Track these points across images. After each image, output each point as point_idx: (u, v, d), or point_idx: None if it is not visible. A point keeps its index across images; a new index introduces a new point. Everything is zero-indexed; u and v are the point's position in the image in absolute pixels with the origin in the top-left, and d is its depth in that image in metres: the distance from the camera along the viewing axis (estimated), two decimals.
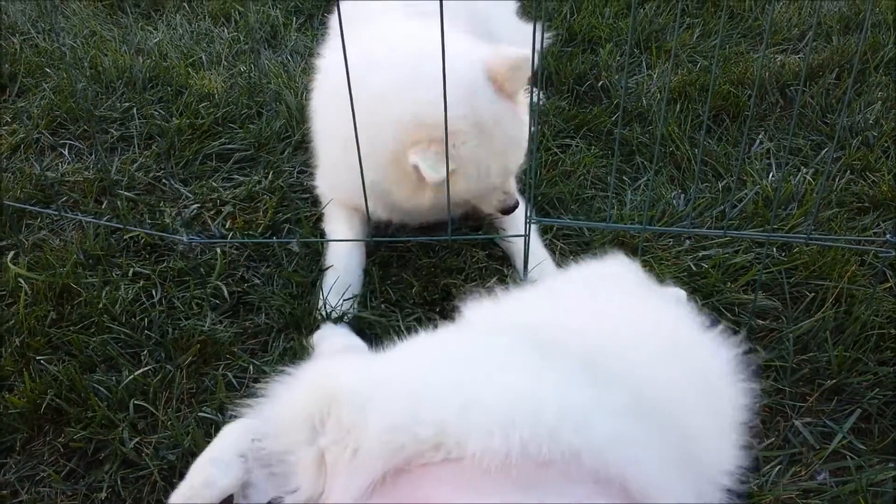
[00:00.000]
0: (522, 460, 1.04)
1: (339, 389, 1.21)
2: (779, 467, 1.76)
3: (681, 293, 1.91)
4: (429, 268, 2.27)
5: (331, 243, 2.27)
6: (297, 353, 1.97)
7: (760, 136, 2.81)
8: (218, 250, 2.27)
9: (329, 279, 2.16)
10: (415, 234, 2.32)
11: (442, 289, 2.21)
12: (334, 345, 1.95)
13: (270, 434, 1.28)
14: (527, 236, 2.13)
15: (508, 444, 1.04)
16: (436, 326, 2.06)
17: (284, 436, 1.25)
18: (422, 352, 1.39)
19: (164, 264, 2.25)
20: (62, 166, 2.72)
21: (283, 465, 1.25)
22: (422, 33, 2.01)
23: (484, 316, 1.63)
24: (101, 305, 2.09)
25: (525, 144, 2.14)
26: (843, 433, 1.83)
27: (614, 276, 1.82)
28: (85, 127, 2.90)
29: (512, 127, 2.07)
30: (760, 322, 2.10)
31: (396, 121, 1.97)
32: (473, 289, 2.18)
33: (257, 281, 2.21)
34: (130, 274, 2.22)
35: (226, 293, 2.15)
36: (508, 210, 2.22)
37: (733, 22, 3.57)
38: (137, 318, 2.08)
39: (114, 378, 1.93)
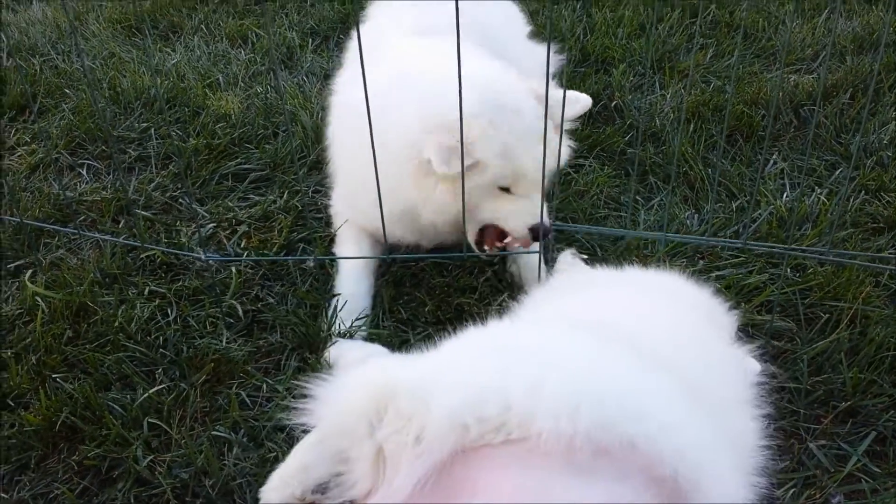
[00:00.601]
0: (585, 447, 1.05)
1: (396, 381, 1.21)
2: (793, 490, 1.75)
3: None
4: (442, 287, 2.28)
5: (341, 268, 2.27)
6: (310, 371, 1.97)
7: (774, 157, 2.81)
8: (233, 269, 2.29)
9: (339, 303, 2.18)
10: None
11: (455, 308, 2.21)
12: (354, 357, 1.93)
13: (328, 434, 1.28)
14: (541, 253, 2.13)
15: (575, 428, 1.06)
16: None
17: (342, 434, 1.24)
18: (477, 342, 1.39)
19: (180, 283, 2.27)
20: (80, 186, 2.76)
21: (344, 464, 1.25)
22: (438, 56, 2.01)
23: (533, 311, 1.65)
24: (116, 324, 2.11)
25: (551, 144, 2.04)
26: (857, 456, 1.81)
27: (656, 281, 1.85)
28: (103, 147, 2.94)
29: (534, 119, 2.06)
30: (775, 343, 2.09)
31: (416, 121, 2.00)
32: (486, 307, 2.19)
33: (272, 300, 2.23)
34: (146, 292, 2.24)
35: (240, 312, 2.17)
36: (537, 234, 2.09)
37: (747, 42, 3.58)
38: (153, 337, 2.10)
39: (128, 396, 1.94)
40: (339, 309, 2.14)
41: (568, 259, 2.18)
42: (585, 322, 1.43)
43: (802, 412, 1.92)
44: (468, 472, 1.08)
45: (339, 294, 2.20)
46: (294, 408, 1.41)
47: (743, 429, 1.42)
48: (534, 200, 2.08)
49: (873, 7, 3.87)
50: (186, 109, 3.13)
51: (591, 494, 1.03)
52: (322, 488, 1.38)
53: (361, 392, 1.22)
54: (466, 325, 2.09)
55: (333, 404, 1.28)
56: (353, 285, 2.23)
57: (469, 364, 1.23)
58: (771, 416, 1.84)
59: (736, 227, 2.44)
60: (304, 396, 1.35)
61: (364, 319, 2.14)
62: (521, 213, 2.09)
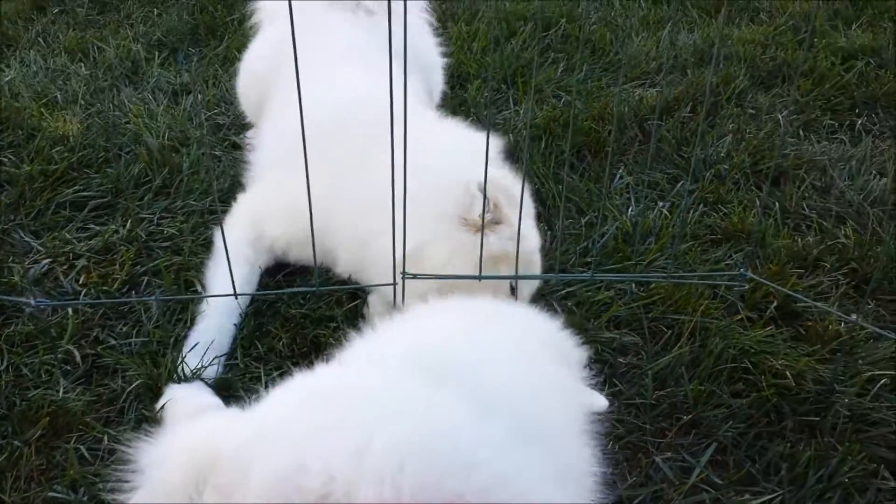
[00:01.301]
0: None
1: (217, 453, 1.16)
2: None
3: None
4: (298, 318, 2.23)
5: (210, 302, 2.18)
6: (154, 420, 1.89)
7: (621, 171, 2.91)
8: (70, 310, 2.16)
9: (192, 337, 2.09)
10: (281, 287, 2.28)
11: (311, 340, 2.17)
12: (187, 407, 1.86)
13: None
14: (395, 284, 2.12)
15: (398, 494, 1.04)
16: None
17: None
18: (302, 395, 1.34)
19: (11, 328, 2.12)
20: None
21: None
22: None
23: (363, 347, 1.62)
24: None
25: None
26: (700, 468, 1.90)
27: (484, 307, 1.87)
28: None
29: None
30: (621, 360, 2.16)
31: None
32: (342, 338, 2.16)
33: (113, 341, 2.12)
34: None
35: (78, 357, 2.04)
36: None
37: (595, 56, 3.69)
38: None
39: None
40: (190, 347, 2.06)
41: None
42: (422, 359, 1.42)
43: (648, 427, 1.99)
44: None
45: (199, 328, 2.13)
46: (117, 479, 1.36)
47: (582, 460, 1.45)
48: None
49: (713, 20, 4.07)
50: (20, 132, 2.93)
51: None
52: None
53: (181, 465, 1.18)
54: (322, 357, 2.08)
55: (154, 478, 1.23)
56: (221, 318, 2.17)
57: (290, 425, 1.19)
58: (618, 433, 1.93)
59: (585, 244, 2.51)
60: (128, 462, 1.29)
61: (218, 360, 2.06)
62: None
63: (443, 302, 1.97)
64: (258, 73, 2.91)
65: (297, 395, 1.36)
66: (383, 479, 1.05)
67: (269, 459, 1.11)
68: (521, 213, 1.95)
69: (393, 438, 1.12)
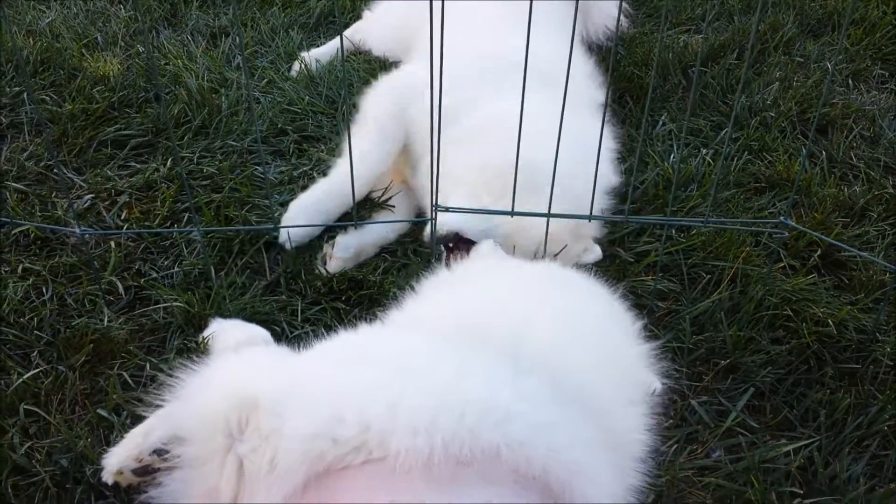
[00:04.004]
0: (444, 460, 1.05)
1: (259, 394, 1.18)
2: (676, 446, 1.81)
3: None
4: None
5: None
6: (198, 350, 1.91)
7: (663, 118, 2.86)
8: (112, 243, 2.19)
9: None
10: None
11: (349, 279, 2.18)
12: (236, 336, 1.87)
13: (186, 439, 1.24)
14: (433, 220, 2.11)
15: (431, 443, 1.06)
16: (344, 320, 2.05)
17: (200, 443, 1.21)
18: (342, 351, 1.38)
19: (56, 259, 2.16)
20: None
21: (194, 472, 1.22)
22: None
23: (406, 310, 1.64)
24: None
25: None
26: (736, 411, 1.89)
27: (530, 268, 1.86)
28: None
29: None
30: (660, 304, 2.14)
31: None
32: (383, 283, 2.17)
33: (155, 274, 2.15)
34: (20, 270, 2.12)
35: (121, 289, 2.08)
36: None
37: (637, 3, 3.60)
38: (27, 318, 1.99)
39: (2, 382, 1.84)
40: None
41: (486, 249, 2.08)
42: (464, 321, 1.42)
43: (685, 370, 1.98)
44: (329, 494, 1.07)
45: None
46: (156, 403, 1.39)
47: (628, 429, 1.43)
48: None
49: None
50: (62, 72, 2.94)
51: None
52: (161, 452, 1.44)
53: (223, 402, 1.20)
54: (360, 301, 2.10)
55: (193, 409, 1.25)
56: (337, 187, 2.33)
57: (330, 378, 1.21)
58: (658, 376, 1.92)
59: (625, 190, 2.47)
60: (168, 388, 1.31)
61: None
62: None
63: (509, 264, 1.95)
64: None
65: (338, 350, 1.39)
66: (417, 431, 1.07)
67: (306, 409, 1.14)
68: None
69: (428, 392, 1.13)
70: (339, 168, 2.39)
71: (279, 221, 2.24)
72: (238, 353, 1.54)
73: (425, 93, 1.82)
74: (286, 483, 1.09)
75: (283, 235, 2.24)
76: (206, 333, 1.91)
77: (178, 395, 1.32)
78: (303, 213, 2.29)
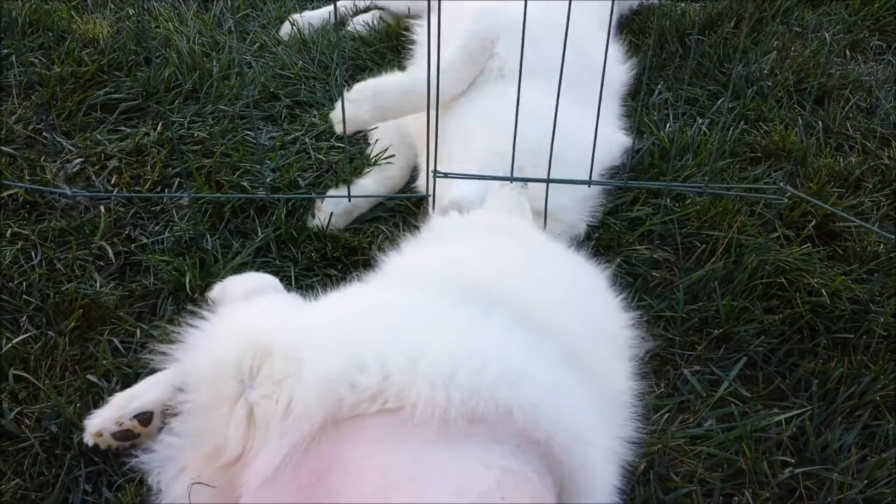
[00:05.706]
0: (459, 415, 1.04)
1: (273, 340, 1.15)
2: (667, 415, 1.81)
3: None
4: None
5: None
6: (187, 315, 1.90)
7: (660, 86, 2.83)
8: (102, 208, 2.17)
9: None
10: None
11: (343, 245, 2.16)
12: (240, 288, 1.80)
13: (193, 386, 1.21)
14: (433, 195, 2.09)
15: (449, 396, 1.04)
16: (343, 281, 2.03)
17: (209, 388, 1.18)
18: (358, 301, 1.35)
19: (45, 224, 2.13)
20: None
21: (202, 420, 1.19)
22: None
23: (409, 265, 1.61)
24: None
25: None
26: (728, 381, 1.89)
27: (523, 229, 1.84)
28: None
29: None
30: (654, 273, 2.14)
31: None
32: (372, 246, 2.16)
33: (145, 240, 2.12)
34: (8, 234, 2.10)
35: (111, 254, 2.06)
36: None
37: None
38: (16, 283, 1.97)
39: None
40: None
41: (505, 194, 1.98)
42: (475, 279, 1.41)
43: (678, 339, 1.98)
44: (339, 448, 1.05)
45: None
46: (164, 354, 1.37)
47: (622, 389, 1.44)
48: None
49: None
50: (50, 34, 2.89)
51: (460, 463, 1.03)
52: (145, 417, 1.48)
53: (234, 347, 1.16)
54: (354, 268, 2.08)
55: (201, 356, 1.22)
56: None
57: (349, 326, 1.19)
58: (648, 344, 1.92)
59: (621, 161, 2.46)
60: (176, 342, 1.29)
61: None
62: None
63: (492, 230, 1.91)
64: None
65: (352, 299, 1.36)
66: (435, 384, 1.05)
67: (325, 355, 1.11)
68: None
69: (448, 346, 1.11)
70: (415, 71, 2.37)
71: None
72: (248, 300, 1.52)
73: (513, 28, 1.88)
74: (301, 428, 1.06)
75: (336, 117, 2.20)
76: (215, 289, 1.88)
77: (181, 352, 1.28)
78: (369, 97, 2.22)
